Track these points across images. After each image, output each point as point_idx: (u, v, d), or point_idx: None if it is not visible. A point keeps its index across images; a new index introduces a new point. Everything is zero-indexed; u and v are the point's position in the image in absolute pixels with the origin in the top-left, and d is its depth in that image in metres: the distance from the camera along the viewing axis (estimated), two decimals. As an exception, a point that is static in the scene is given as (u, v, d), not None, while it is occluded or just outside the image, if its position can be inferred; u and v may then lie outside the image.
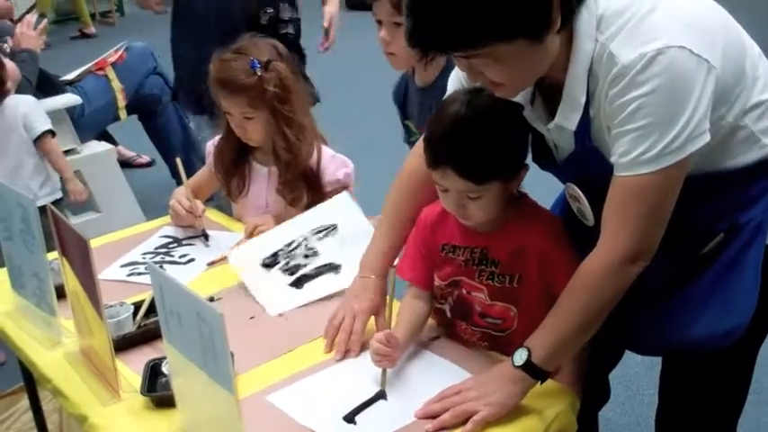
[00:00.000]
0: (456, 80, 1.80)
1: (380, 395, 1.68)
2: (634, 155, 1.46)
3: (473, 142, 1.61)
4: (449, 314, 1.87)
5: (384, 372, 1.70)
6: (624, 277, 1.54)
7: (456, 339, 1.86)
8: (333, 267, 2.14)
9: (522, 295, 1.75)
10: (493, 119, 1.63)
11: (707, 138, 1.47)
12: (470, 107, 1.64)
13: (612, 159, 1.51)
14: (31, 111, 3.56)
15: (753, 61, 1.58)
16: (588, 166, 1.60)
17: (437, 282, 1.85)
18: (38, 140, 3.56)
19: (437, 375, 1.73)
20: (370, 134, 5.09)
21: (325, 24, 3.51)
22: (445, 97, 1.75)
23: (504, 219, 1.74)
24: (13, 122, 3.54)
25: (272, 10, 3.31)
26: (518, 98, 1.64)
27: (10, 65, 3.68)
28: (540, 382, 1.60)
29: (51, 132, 3.58)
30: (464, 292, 1.81)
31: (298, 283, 2.13)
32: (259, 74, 2.33)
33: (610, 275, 1.54)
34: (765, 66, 1.62)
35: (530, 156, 1.75)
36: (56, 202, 3.62)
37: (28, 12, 4.64)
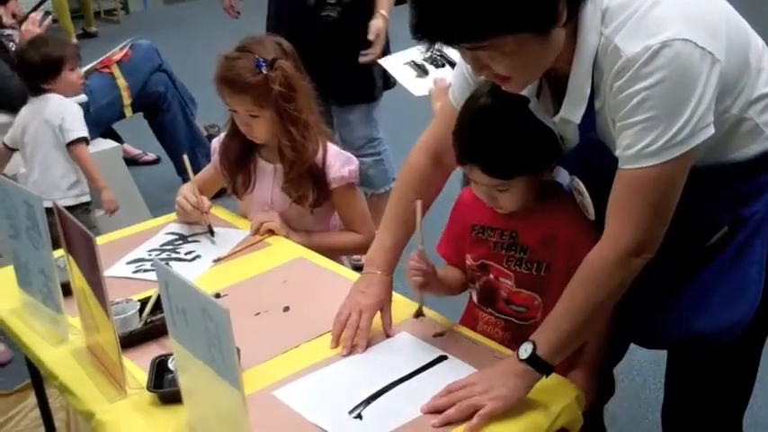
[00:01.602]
0: (460, 75, 1.80)
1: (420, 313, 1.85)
2: (638, 147, 1.47)
3: (496, 140, 1.66)
4: (475, 299, 1.91)
5: (422, 296, 1.83)
6: (628, 270, 1.54)
7: (476, 330, 1.88)
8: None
9: (547, 284, 1.78)
10: (515, 116, 1.66)
11: (711, 130, 1.47)
12: (492, 106, 1.67)
13: (617, 152, 1.51)
14: (70, 115, 3.59)
15: (757, 53, 1.58)
16: (593, 158, 1.60)
17: (470, 261, 1.89)
18: (70, 145, 3.59)
19: (442, 371, 1.74)
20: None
21: (371, 37, 3.53)
22: (469, 95, 1.76)
23: (536, 205, 1.78)
24: (51, 119, 3.58)
25: None
26: (524, 91, 1.65)
27: (76, 74, 3.70)
28: (545, 376, 1.60)
29: (86, 140, 3.59)
30: (492, 277, 1.85)
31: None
32: (264, 72, 2.33)
33: (614, 268, 1.54)
34: None
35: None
36: (84, 205, 3.66)
37: (34, 9, 4.62)
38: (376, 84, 3.68)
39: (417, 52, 2.85)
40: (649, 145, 1.45)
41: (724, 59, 1.46)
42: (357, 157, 3.68)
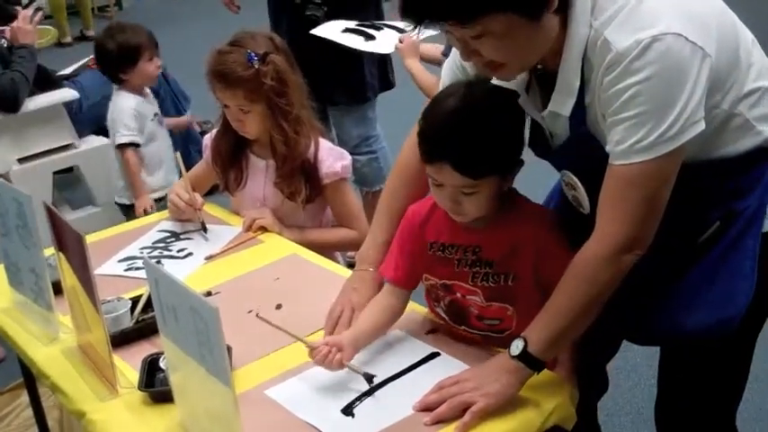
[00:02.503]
0: (450, 71, 1.79)
1: (369, 379, 1.68)
2: (629, 143, 1.46)
3: (471, 136, 1.60)
4: (445, 316, 1.86)
5: (349, 367, 1.69)
6: (620, 266, 1.53)
7: (457, 339, 1.84)
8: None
9: (517, 293, 1.74)
10: (490, 112, 1.62)
11: (702, 126, 1.46)
12: (467, 100, 1.62)
13: (608, 148, 1.51)
14: (119, 116, 3.55)
15: (747, 48, 1.57)
16: (583, 153, 1.59)
17: (431, 280, 1.83)
18: (117, 148, 3.58)
19: (434, 367, 1.73)
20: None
21: None
22: (439, 91, 1.73)
23: (496, 216, 1.72)
24: (109, 118, 3.61)
25: None
26: (513, 86, 1.64)
27: (154, 64, 3.64)
28: (536, 372, 1.59)
29: (130, 145, 3.54)
30: (458, 296, 1.79)
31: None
32: (256, 66, 2.32)
33: (605, 264, 1.53)
34: (759, 53, 1.61)
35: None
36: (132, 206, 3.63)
37: (25, 6, 4.60)
38: (368, 84, 3.66)
39: (343, 23, 2.91)
40: (641, 140, 1.45)
41: (714, 54, 1.46)
42: (352, 155, 3.69)
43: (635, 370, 2.99)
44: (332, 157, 2.45)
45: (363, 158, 3.72)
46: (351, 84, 3.61)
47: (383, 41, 3.14)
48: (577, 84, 1.53)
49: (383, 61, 3.64)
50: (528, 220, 1.74)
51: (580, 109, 1.55)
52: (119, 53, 3.51)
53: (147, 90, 3.67)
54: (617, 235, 1.52)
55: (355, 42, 3.22)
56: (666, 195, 1.51)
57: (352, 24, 3.17)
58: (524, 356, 1.57)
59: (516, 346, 1.58)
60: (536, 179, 1.98)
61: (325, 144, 2.48)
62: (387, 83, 3.73)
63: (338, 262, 2.47)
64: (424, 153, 1.65)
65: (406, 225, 1.83)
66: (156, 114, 3.66)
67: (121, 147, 3.55)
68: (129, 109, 3.55)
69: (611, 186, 1.52)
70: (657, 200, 1.51)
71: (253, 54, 2.33)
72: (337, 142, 3.69)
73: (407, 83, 3.33)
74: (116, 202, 3.73)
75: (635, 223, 1.51)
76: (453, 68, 1.78)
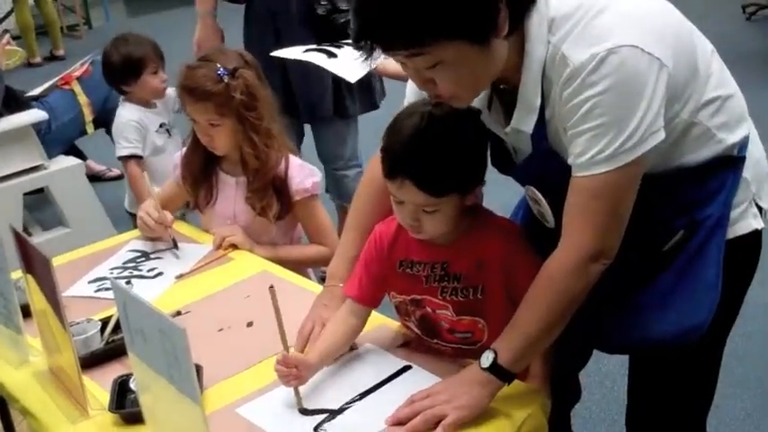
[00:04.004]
0: (414, 88, 1.80)
1: (303, 412, 1.67)
2: (590, 155, 1.47)
3: (433, 154, 1.60)
4: (417, 330, 1.86)
5: (296, 390, 1.69)
6: (587, 276, 1.55)
7: (429, 352, 1.85)
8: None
9: (487, 306, 1.75)
10: (453, 131, 1.62)
11: (662, 135, 1.48)
12: (430, 119, 1.63)
13: (570, 160, 1.52)
14: (119, 130, 3.52)
15: (705, 58, 1.59)
16: (546, 168, 1.60)
17: (398, 297, 1.83)
18: (120, 160, 3.56)
19: (406, 381, 1.73)
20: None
21: None
22: (403, 108, 1.74)
23: (462, 231, 1.73)
24: (114, 129, 3.58)
25: (326, 1, 3.35)
26: (475, 103, 1.65)
27: (158, 78, 3.56)
28: (507, 384, 1.60)
29: (131, 158, 3.50)
30: (429, 310, 1.80)
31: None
32: (226, 81, 2.34)
33: (572, 275, 1.54)
34: (718, 63, 1.63)
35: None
36: None
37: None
38: (377, 93, 3.66)
39: (304, 46, 2.93)
40: (601, 152, 1.46)
41: (671, 64, 1.47)
42: (343, 170, 3.69)
43: (608, 377, 3.01)
44: (302, 174, 2.46)
45: (351, 173, 3.74)
46: (365, 93, 3.60)
47: (345, 59, 3.15)
48: (538, 101, 1.54)
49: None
50: (494, 234, 1.74)
51: (541, 124, 1.56)
52: (122, 65, 3.47)
53: (156, 101, 3.61)
54: (583, 245, 1.53)
55: (318, 59, 3.23)
56: (630, 205, 1.53)
57: (312, 46, 3.17)
58: (495, 368, 1.58)
59: (486, 358, 1.58)
60: (502, 193, 1.99)
61: (295, 161, 2.48)
62: (368, 103, 3.74)
63: (310, 278, 2.47)
64: (386, 169, 1.65)
65: (372, 245, 1.83)
66: (162, 125, 3.59)
67: (123, 159, 3.53)
68: (130, 121, 3.51)
69: (574, 198, 1.53)
70: (621, 209, 1.52)
71: (222, 69, 2.34)
72: (329, 158, 3.71)
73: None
74: (127, 211, 3.70)
75: (600, 233, 1.52)
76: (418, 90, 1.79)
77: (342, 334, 1.81)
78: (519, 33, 1.49)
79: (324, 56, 3.10)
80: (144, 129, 3.53)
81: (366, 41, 1.45)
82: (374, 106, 3.69)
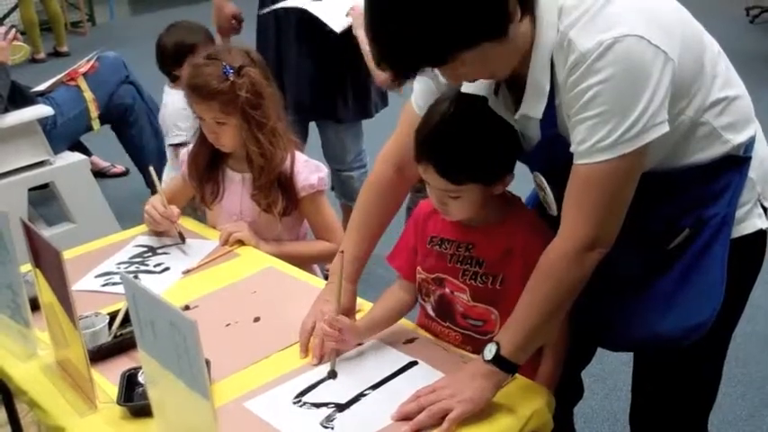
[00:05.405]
0: (423, 84, 1.80)
1: (332, 375, 1.74)
2: (591, 142, 1.48)
3: (455, 142, 1.64)
4: (432, 312, 1.89)
5: (333, 352, 1.75)
6: (584, 265, 1.55)
7: (436, 348, 1.86)
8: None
9: (504, 297, 1.76)
10: (478, 123, 1.66)
11: (665, 128, 1.48)
12: (460, 106, 1.67)
13: (572, 148, 1.53)
14: (170, 118, 3.53)
15: (712, 58, 1.60)
16: (555, 154, 1.61)
17: (422, 274, 1.87)
18: (170, 147, 3.59)
19: (413, 376, 1.75)
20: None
21: None
22: (438, 98, 1.76)
23: (494, 217, 1.77)
24: (162, 116, 3.62)
25: None
26: (482, 88, 1.66)
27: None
28: (511, 375, 1.61)
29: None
30: (447, 291, 1.83)
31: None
32: (231, 79, 2.35)
33: (569, 263, 1.55)
34: (725, 63, 1.64)
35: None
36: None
37: (-1, 23, 4.59)
38: (373, 101, 3.67)
39: None
40: (602, 140, 1.47)
41: (677, 59, 1.48)
42: (349, 171, 3.70)
43: (611, 376, 3.02)
44: (308, 170, 2.47)
45: (356, 173, 3.76)
46: (359, 101, 3.62)
47: (329, 4, 3.18)
48: (547, 86, 1.55)
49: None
50: (522, 227, 1.77)
51: (551, 110, 1.57)
52: (174, 50, 3.49)
53: None
54: (580, 234, 1.54)
55: (302, 2, 3.27)
56: (629, 195, 1.53)
57: None
58: (498, 360, 1.59)
59: (489, 351, 1.60)
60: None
61: (300, 157, 2.49)
62: (385, 100, 3.76)
63: (316, 274, 2.48)
64: (415, 152, 1.71)
65: (412, 219, 1.91)
66: None
67: (174, 146, 3.53)
68: (181, 109, 3.45)
69: (573, 186, 1.54)
70: (619, 199, 1.53)
71: (228, 67, 2.35)
72: (332, 159, 3.73)
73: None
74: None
75: (597, 222, 1.53)
76: (427, 81, 1.80)
77: (391, 308, 1.88)
78: (531, 18, 1.50)
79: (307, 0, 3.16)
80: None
81: (391, 64, 1.47)
82: (368, 114, 3.70)
